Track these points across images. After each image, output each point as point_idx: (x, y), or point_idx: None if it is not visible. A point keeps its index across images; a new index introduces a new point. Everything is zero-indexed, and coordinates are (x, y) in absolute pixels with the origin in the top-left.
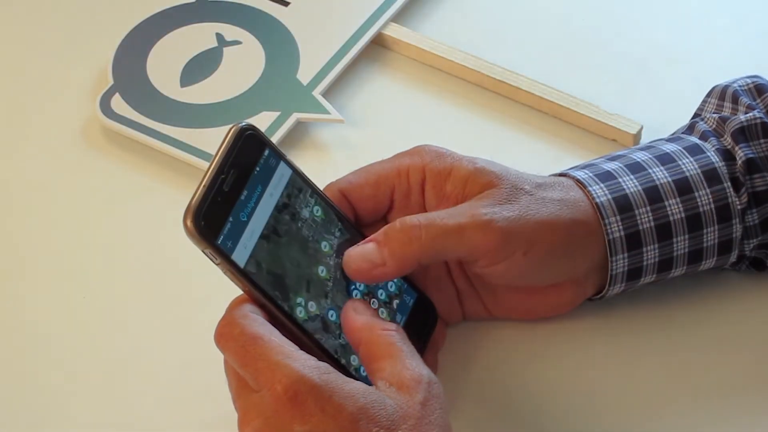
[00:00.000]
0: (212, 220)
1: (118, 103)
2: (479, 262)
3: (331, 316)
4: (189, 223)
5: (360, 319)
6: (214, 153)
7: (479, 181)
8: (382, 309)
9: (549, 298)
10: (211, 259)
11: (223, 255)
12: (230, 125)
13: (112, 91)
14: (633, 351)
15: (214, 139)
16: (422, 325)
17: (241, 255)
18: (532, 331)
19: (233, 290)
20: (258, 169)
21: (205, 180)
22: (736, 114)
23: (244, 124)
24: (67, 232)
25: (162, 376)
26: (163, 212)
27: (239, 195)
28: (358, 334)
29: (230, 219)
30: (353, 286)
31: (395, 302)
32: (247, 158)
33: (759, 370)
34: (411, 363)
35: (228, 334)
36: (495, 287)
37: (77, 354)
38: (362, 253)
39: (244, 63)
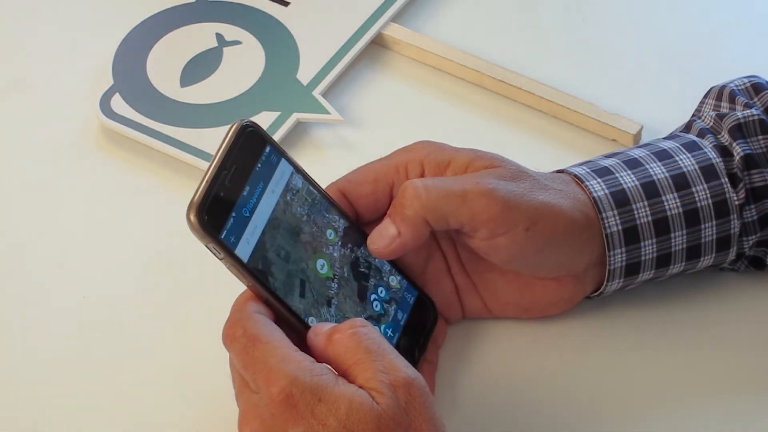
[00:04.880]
0: (215, 214)
1: (118, 103)
2: (480, 233)
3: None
4: (192, 217)
5: (321, 340)
6: (215, 150)
7: (481, 164)
8: (384, 305)
9: (548, 293)
10: (214, 254)
11: (226, 249)
12: (232, 122)
13: (112, 91)
14: (632, 351)
15: (214, 139)
16: (423, 323)
17: (244, 250)
18: (531, 331)
19: (233, 290)
20: (259, 165)
21: (208, 175)
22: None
23: (245, 121)
24: (67, 231)
25: (162, 375)
26: (163, 212)
27: (241, 191)
28: (325, 354)
29: (233, 214)
30: (357, 281)
31: (396, 300)
32: (249, 155)
33: (758, 369)
34: (395, 362)
35: (232, 336)
36: (494, 282)
37: (77, 354)
38: (379, 232)
39: (244, 63)
